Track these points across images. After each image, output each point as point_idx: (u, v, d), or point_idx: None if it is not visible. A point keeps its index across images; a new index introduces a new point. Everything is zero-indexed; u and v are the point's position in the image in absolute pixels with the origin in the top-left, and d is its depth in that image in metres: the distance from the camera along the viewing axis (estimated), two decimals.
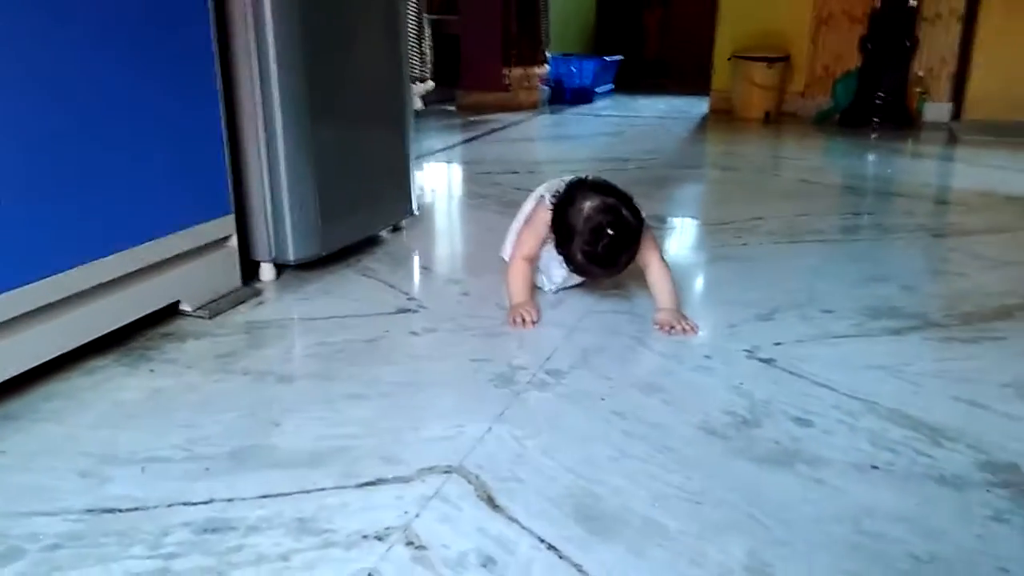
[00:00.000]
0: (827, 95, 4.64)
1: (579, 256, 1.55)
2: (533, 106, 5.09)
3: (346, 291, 1.82)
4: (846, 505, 1.05)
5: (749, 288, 1.85)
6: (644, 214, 1.61)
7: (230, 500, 1.05)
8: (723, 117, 4.83)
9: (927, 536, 0.99)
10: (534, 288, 1.74)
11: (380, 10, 2.03)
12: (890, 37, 4.21)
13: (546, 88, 5.21)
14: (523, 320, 1.61)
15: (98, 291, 1.41)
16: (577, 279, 1.75)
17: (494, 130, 4.28)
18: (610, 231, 1.51)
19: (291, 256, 1.82)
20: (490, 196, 2.78)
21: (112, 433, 1.21)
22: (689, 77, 6.45)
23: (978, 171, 3.33)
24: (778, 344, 1.54)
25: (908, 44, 4.21)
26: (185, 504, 1.04)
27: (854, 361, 1.47)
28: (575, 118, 4.87)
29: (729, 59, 4.76)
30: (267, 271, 1.85)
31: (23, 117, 1.24)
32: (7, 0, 1.19)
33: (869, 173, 3.42)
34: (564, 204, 1.58)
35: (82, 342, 1.40)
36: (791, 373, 1.42)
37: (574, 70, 5.38)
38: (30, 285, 1.27)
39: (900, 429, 1.23)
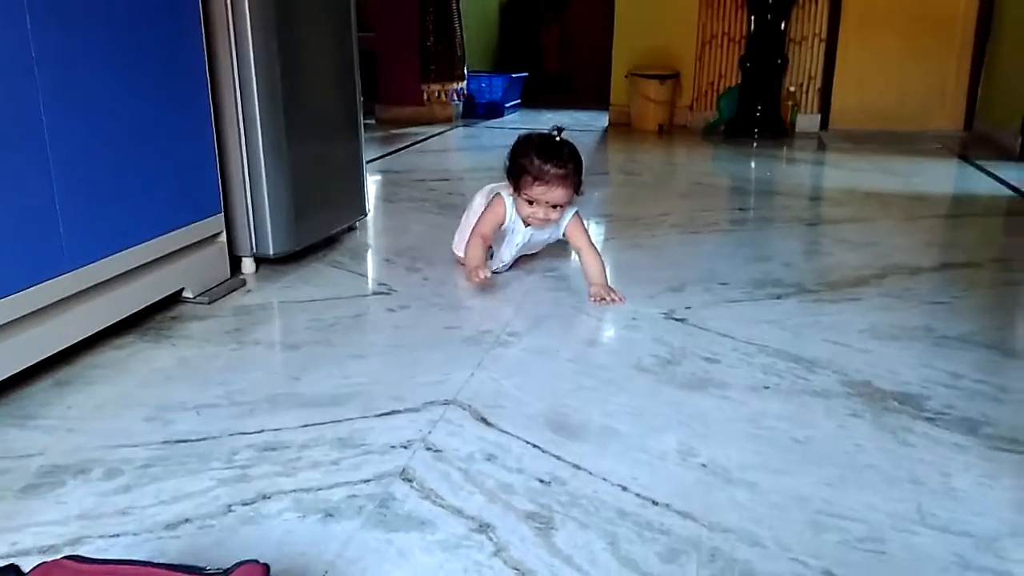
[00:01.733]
0: (713, 109, 5.16)
1: (537, 160, 1.90)
2: (448, 120, 5.41)
3: (322, 280, 2.10)
4: (746, 411, 1.41)
5: (661, 268, 2.22)
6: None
7: (278, 429, 1.32)
8: (622, 129, 5.28)
9: (804, 426, 1.36)
10: (487, 260, 2.05)
11: (338, 35, 2.31)
12: (765, 57, 4.75)
13: (458, 103, 5.54)
14: (479, 276, 1.92)
15: (121, 279, 1.64)
16: (522, 249, 2.09)
17: (416, 142, 4.58)
18: (556, 137, 1.96)
19: (271, 251, 2.08)
20: (428, 199, 3.08)
21: (159, 390, 1.46)
22: (587, 91, 6.91)
23: (843, 173, 3.86)
24: (688, 308, 1.91)
25: (780, 63, 4.76)
26: (242, 433, 1.30)
27: (747, 318, 1.85)
28: (488, 131, 5.23)
29: (626, 76, 5.22)
30: (248, 264, 2.10)
31: (76, 138, 1.47)
32: (40, 27, 1.43)
33: (752, 176, 3.90)
34: (517, 148, 1.96)
35: (111, 322, 1.63)
36: (700, 328, 1.79)
37: (484, 86, 5.74)
38: (70, 273, 1.50)
39: (784, 362, 1.61)
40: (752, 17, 4.77)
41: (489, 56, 7.02)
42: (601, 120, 5.57)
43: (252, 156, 2.02)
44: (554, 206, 1.94)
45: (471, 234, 2.04)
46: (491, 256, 2.10)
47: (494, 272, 2.08)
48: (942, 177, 3.74)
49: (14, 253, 1.38)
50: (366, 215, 2.59)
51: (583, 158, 2.01)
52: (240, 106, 1.98)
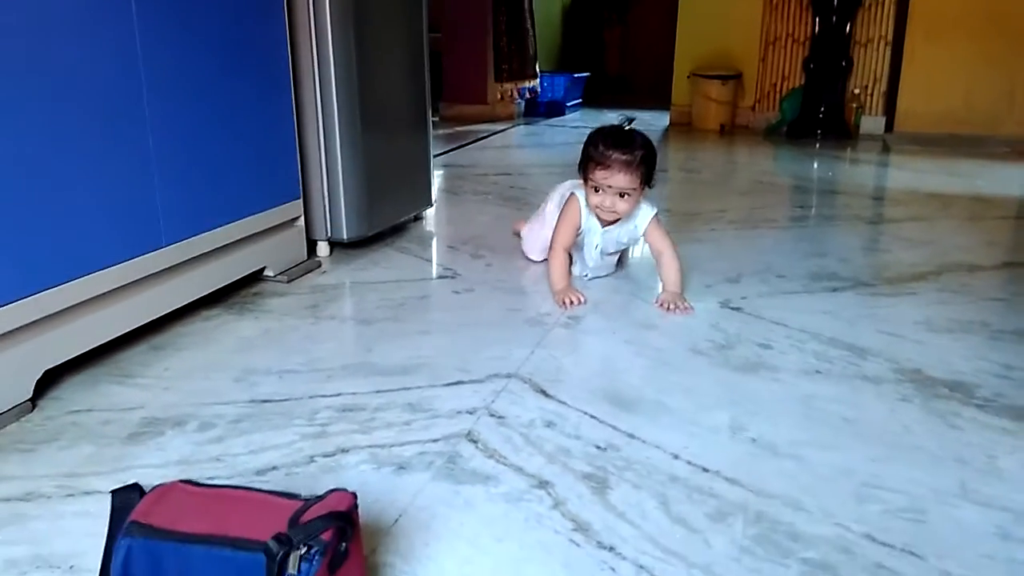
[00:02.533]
0: (775, 110, 5.15)
1: (601, 146, 1.87)
2: (510, 118, 5.52)
3: (391, 263, 2.21)
4: (797, 393, 1.46)
5: (718, 260, 2.28)
6: (656, 210, 1.99)
7: (354, 393, 1.43)
8: (683, 129, 5.31)
9: (854, 408, 1.40)
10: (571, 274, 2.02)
11: (410, 36, 2.43)
12: (829, 58, 4.73)
13: (520, 101, 5.64)
14: (571, 302, 1.87)
15: (210, 256, 1.77)
16: (606, 268, 2.06)
17: (479, 138, 4.69)
18: (626, 126, 1.91)
19: (344, 235, 2.20)
20: (491, 192, 3.18)
21: (245, 357, 1.58)
22: (648, 91, 6.94)
23: (906, 174, 3.83)
24: (744, 298, 1.96)
25: (844, 64, 4.74)
26: (322, 396, 1.41)
27: (802, 308, 1.89)
28: (550, 129, 5.31)
29: (688, 77, 5.25)
30: (323, 248, 2.23)
31: (173, 128, 1.61)
32: (153, 37, 1.56)
33: (814, 176, 3.89)
34: (588, 139, 1.93)
35: (200, 295, 1.76)
36: (755, 316, 1.84)
37: (546, 85, 5.83)
38: (166, 248, 1.63)
39: (837, 350, 1.66)
40: (816, 19, 4.76)
41: (552, 56, 7.11)
42: (662, 120, 5.61)
43: (329, 147, 2.14)
44: (621, 195, 1.88)
45: (551, 248, 1.98)
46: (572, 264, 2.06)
47: (582, 277, 2.07)
48: (1009, 180, 3.69)
49: (118, 228, 1.52)
50: (432, 205, 2.70)
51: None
52: (320, 100, 2.10)
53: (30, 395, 1.36)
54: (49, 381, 1.42)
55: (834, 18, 4.67)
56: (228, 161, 1.80)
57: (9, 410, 1.32)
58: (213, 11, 1.71)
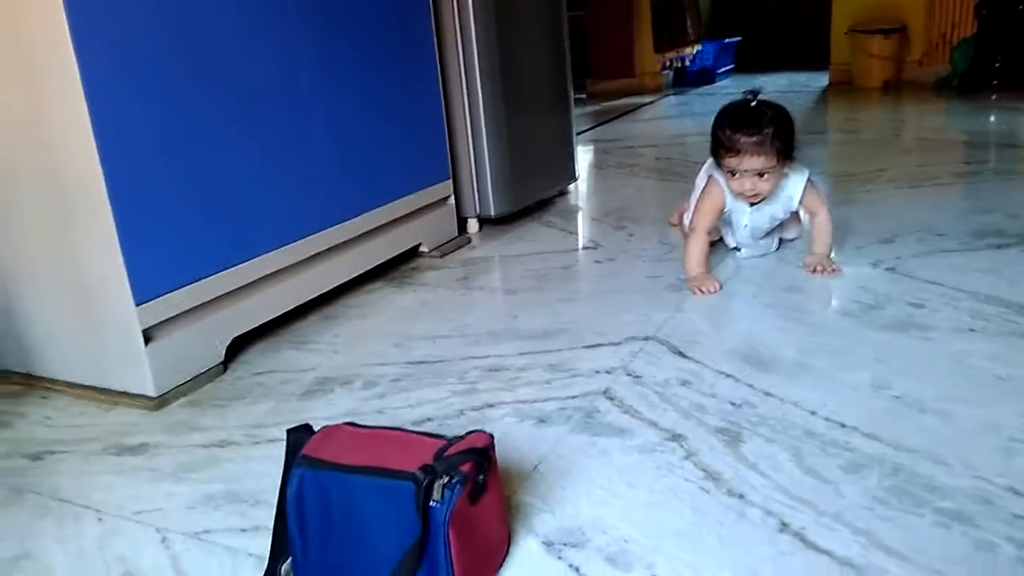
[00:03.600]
0: (944, 63, 4.79)
1: (728, 130, 1.78)
2: (658, 89, 5.46)
3: (536, 237, 2.31)
4: (948, 351, 1.42)
5: (872, 221, 2.20)
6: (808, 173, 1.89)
7: (501, 356, 1.53)
8: (843, 88, 5.05)
9: (1008, 365, 1.35)
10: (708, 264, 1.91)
11: (550, 19, 2.51)
12: (1005, 2, 4.34)
13: (669, 72, 5.56)
14: (703, 291, 1.77)
15: (372, 234, 1.94)
16: (763, 248, 1.99)
17: (627, 112, 4.70)
18: (751, 103, 1.80)
19: (492, 212, 2.32)
20: (637, 165, 3.21)
21: (404, 325, 1.73)
22: (806, 52, 6.63)
23: None
24: (897, 258, 1.89)
25: (1022, 8, 4.33)
26: (471, 358, 1.53)
27: (960, 267, 1.81)
28: (700, 98, 5.22)
29: (846, 33, 4.98)
30: (473, 224, 2.36)
31: (335, 119, 1.77)
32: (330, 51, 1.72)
33: (988, 130, 3.62)
34: (715, 121, 1.84)
35: (364, 270, 1.93)
36: (907, 276, 1.78)
37: (695, 53, 5.71)
38: (333, 227, 1.80)
39: (994, 307, 1.58)
40: None
41: (703, 23, 6.93)
42: (820, 80, 5.36)
43: (476, 129, 2.27)
44: (760, 175, 1.78)
45: (690, 230, 1.90)
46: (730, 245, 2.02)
47: (733, 250, 2.02)
48: None
49: (292, 211, 1.70)
50: (576, 180, 2.77)
51: (793, 118, 1.84)
52: (465, 86, 2.23)
53: (222, 359, 1.56)
54: (237, 347, 1.62)
55: None
56: (385, 147, 1.95)
57: (205, 371, 1.52)
58: (364, 9, 1.86)
